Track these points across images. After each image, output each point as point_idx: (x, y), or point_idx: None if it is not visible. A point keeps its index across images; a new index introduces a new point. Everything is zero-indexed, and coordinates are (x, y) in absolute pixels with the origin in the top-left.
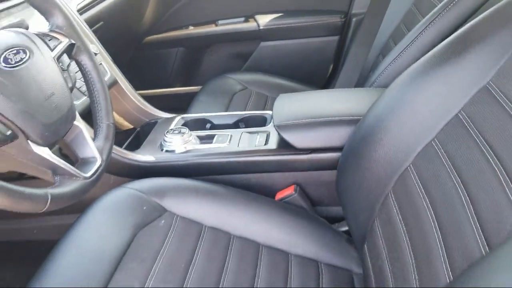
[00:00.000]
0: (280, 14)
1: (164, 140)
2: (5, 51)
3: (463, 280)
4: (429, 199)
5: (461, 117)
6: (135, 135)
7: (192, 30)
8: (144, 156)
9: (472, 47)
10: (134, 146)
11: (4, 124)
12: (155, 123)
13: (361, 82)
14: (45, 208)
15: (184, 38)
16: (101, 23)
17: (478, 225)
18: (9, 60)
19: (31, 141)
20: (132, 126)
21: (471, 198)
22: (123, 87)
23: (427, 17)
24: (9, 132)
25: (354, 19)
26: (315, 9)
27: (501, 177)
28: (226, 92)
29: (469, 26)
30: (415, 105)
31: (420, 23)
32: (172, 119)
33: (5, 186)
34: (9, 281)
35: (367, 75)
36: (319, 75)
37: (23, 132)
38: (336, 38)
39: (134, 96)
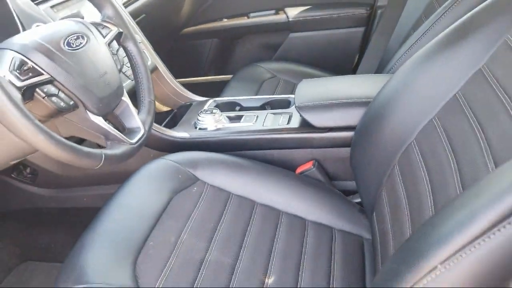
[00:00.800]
0: (308, 7)
1: (198, 119)
2: (68, 36)
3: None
4: (426, 169)
5: (458, 97)
6: (172, 116)
7: (225, 22)
8: (180, 133)
9: (469, 34)
10: (171, 125)
11: (68, 95)
12: (190, 105)
13: (380, 69)
14: (100, 165)
15: (218, 29)
16: (143, 15)
17: (462, 190)
18: (71, 44)
19: (89, 111)
20: (169, 108)
21: (459, 168)
22: (162, 73)
23: (441, 8)
24: (71, 102)
25: (379, 11)
26: (342, 1)
27: (484, 151)
28: (256, 79)
29: (469, 16)
30: (418, 87)
31: (435, 14)
32: (205, 102)
33: (70, 145)
34: (61, 243)
35: (386, 63)
36: (345, 65)
37: (82, 102)
38: (361, 29)
39: (171, 81)
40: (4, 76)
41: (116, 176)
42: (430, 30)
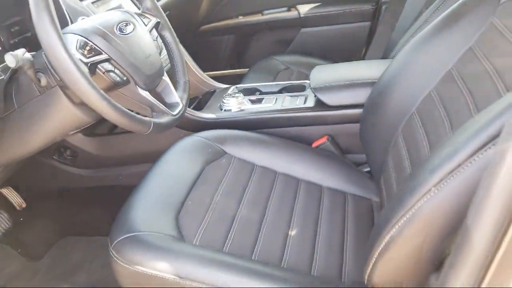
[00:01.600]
0: (318, 4)
1: (223, 102)
2: (119, 23)
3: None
4: (425, 133)
5: (452, 72)
6: (198, 101)
7: (241, 19)
8: (207, 114)
9: (460, 19)
10: (198, 109)
11: (122, 72)
12: (213, 91)
13: (385, 57)
14: (149, 131)
15: (234, 26)
16: (168, 12)
17: None
18: (122, 29)
19: (138, 86)
20: (195, 95)
21: (453, 129)
22: (188, 63)
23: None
24: (125, 78)
25: (384, 7)
26: None
27: (473, 113)
28: (271, 71)
29: (460, 3)
30: (417, 65)
31: (433, 4)
32: (227, 88)
33: (127, 111)
34: (98, 219)
35: (390, 52)
36: (354, 57)
37: (133, 78)
38: (368, 23)
39: (197, 70)
40: (74, 54)
41: (148, 156)
42: (429, 19)
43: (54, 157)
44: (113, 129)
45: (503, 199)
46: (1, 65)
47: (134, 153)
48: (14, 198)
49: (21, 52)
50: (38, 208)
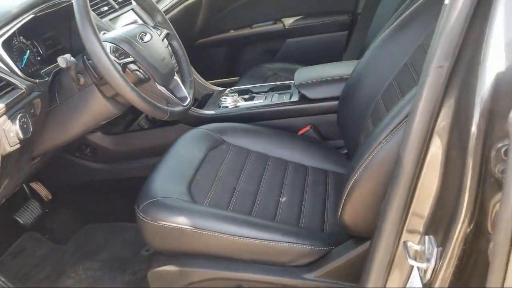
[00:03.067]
0: (301, 16)
1: (221, 100)
2: (140, 33)
3: None
4: (386, 111)
5: (408, 64)
6: (199, 102)
7: (232, 33)
8: (208, 111)
9: (414, 20)
10: (200, 108)
11: (144, 71)
12: (212, 93)
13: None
14: (166, 117)
15: (227, 39)
16: None
17: None
18: (143, 38)
19: (156, 82)
20: (196, 97)
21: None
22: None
23: (402, 6)
24: (146, 76)
25: (359, 17)
26: (329, 10)
27: None
28: (261, 76)
29: (414, 7)
30: (380, 61)
31: (397, 12)
32: (224, 90)
33: (150, 100)
34: (117, 207)
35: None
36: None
37: (152, 76)
38: (345, 33)
39: (197, 76)
40: (110, 56)
41: (159, 149)
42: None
43: (76, 154)
44: (127, 127)
45: (415, 144)
46: (44, 70)
47: (146, 147)
48: (42, 190)
49: (68, 56)
50: (62, 199)
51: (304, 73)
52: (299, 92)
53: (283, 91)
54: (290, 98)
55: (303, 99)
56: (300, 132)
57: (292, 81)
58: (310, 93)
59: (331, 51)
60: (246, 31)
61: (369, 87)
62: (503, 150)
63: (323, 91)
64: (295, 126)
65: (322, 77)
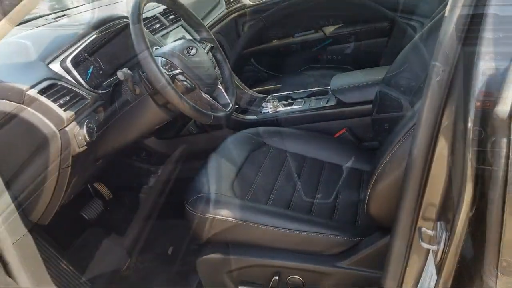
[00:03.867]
0: (341, 24)
1: (262, 106)
2: (187, 47)
3: None
4: None
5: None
6: (243, 108)
7: (275, 43)
8: (250, 116)
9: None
10: (243, 113)
11: (191, 81)
12: (254, 99)
13: None
14: (210, 121)
15: (270, 48)
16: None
17: None
18: (189, 52)
19: (202, 91)
20: (239, 103)
21: None
22: (235, 79)
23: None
24: (193, 85)
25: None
26: (368, 18)
27: None
28: (301, 83)
29: (436, 18)
30: (410, 64)
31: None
32: (265, 96)
33: (197, 107)
34: (172, 206)
35: None
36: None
37: (198, 86)
38: (385, 39)
39: (239, 83)
40: (162, 69)
41: (206, 152)
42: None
43: (133, 157)
44: (178, 132)
45: (423, 140)
46: (106, 82)
47: (193, 149)
48: (104, 190)
49: (126, 70)
50: (121, 199)
51: (340, 79)
52: (335, 97)
53: (320, 97)
54: (327, 103)
55: (339, 103)
56: (337, 135)
57: (328, 87)
58: (346, 98)
59: (370, 57)
60: (289, 40)
61: (400, 90)
62: (496, 142)
63: (358, 96)
64: (331, 129)
65: (356, 82)
